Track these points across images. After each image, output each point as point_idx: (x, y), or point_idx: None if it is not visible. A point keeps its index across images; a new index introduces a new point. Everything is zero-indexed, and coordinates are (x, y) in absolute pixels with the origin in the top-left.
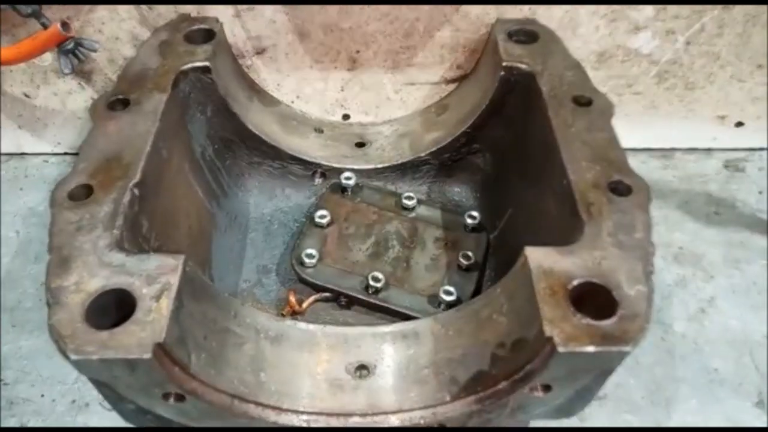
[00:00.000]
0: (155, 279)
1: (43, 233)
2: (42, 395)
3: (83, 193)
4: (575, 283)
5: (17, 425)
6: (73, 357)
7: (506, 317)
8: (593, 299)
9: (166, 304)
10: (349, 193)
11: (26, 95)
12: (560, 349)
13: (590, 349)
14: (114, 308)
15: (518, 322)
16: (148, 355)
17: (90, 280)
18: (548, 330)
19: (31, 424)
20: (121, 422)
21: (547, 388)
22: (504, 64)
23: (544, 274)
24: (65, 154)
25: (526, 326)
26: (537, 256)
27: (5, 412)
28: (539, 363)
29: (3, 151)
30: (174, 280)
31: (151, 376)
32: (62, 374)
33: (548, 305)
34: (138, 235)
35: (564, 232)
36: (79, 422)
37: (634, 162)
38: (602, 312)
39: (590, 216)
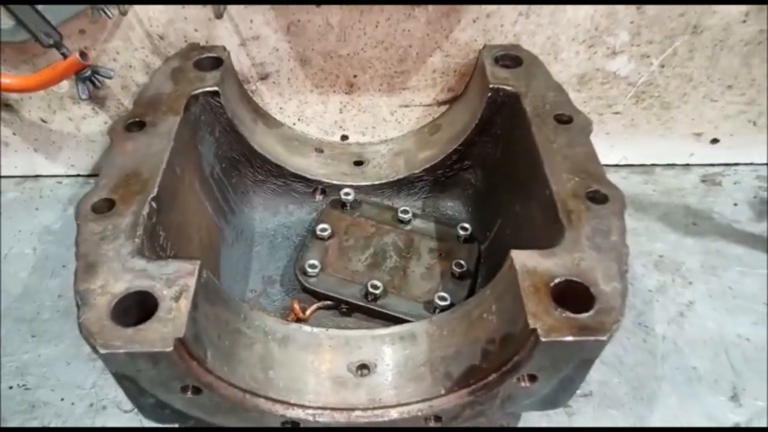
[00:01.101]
0: (174, 282)
1: (59, 250)
2: (62, 399)
3: (105, 207)
4: (557, 281)
5: (39, 426)
6: (102, 351)
7: (495, 316)
8: (573, 297)
9: (185, 304)
10: (349, 208)
11: (43, 120)
12: (543, 339)
13: (569, 338)
14: (136, 309)
15: (506, 319)
16: (169, 349)
17: (115, 283)
18: (532, 322)
19: (52, 426)
20: (130, 424)
21: (533, 378)
22: (491, 86)
23: (528, 273)
24: (78, 176)
25: (513, 322)
26: (522, 258)
27: (28, 415)
28: (525, 354)
29: (18, 173)
30: (191, 282)
31: (171, 369)
32: (80, 380)
33: (532, 301)
34: (156, 245)
35: (547, 238)
36: (98, 424)
37: (616, 177)
38: (581, 307)
39: (570, 222)
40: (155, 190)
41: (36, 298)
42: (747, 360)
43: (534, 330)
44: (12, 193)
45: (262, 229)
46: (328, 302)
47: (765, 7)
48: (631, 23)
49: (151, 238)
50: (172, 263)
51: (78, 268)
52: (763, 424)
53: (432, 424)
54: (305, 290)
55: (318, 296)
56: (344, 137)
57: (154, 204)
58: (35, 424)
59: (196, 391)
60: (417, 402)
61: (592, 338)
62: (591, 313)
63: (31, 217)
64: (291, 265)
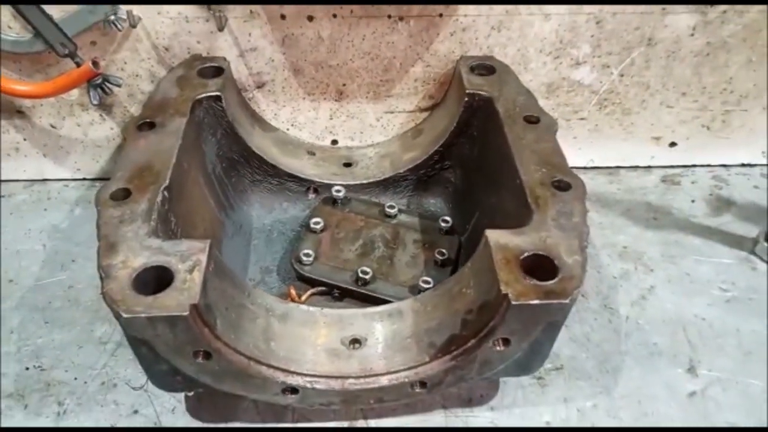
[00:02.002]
0: (188, 257)
1: (68, 246)
2: (75, 378)
3: (122, 195)
4: (525, 254)
5: (55, 403)
6: (125, 316)
7: (473, 289)
8: (540, 268)
9: (198, 276)
10: (339, 204)
11: (53, 126)
12: (513, 302)
13: (536, 301)
14: (153, 283)
15: (482, 290)
16: (186, 313)
17: (134, 259)
18: (504, 289)
19: (67, 402)
20: (139, 400)
21: (506, 342)
22: (468, 91)
23: (500, 248)
24: (84, 179)
25: (488, 291)
26: (495, 236)
27: (44, 393)
28: (499, 319)
29: (27, 177)
30: (203, 258)
31: (186, 333)
32: (91, 361)
33: (504, 271)
34: (168, 229)
35: (518, 222)
36: (109, 400)
37: (584, 178)
38: (547, 277)
39: (538, 206)
40: (167, 181)
41: (48, 288)
42: (702, 337)
43: (506, 295)
44: (21, 196)
45: (259, 224)
46: (322, 288)
47: (709, 21)
48: (592, 36)
49: (164, 223)
50: (185, 242)
51: (100, 246)
52: (716, 392)
53: (418, 389)
54: (300, 278)
55: (312, 283)
56: (334, 141)
57: (166, 193)
58: (51, 400)
59: (207, 356)
60: (404, 369)
61: (555, 301)
62: (555, 280)
63: (40, 217)
64: (286, 256)
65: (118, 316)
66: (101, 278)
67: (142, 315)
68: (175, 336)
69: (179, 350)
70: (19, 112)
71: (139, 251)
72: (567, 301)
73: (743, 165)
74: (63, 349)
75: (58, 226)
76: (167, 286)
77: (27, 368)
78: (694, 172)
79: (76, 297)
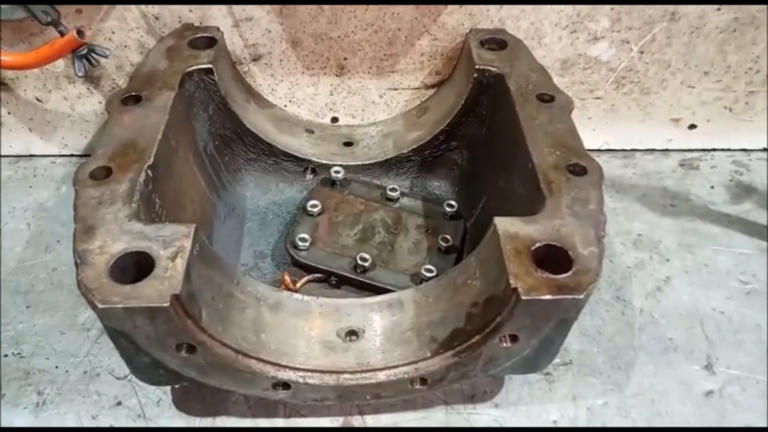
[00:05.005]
0: (171, 243)
1: (53, 226)
2: (56, 367)
3: (103, 174)
4: (537, 245)
5: (34, 393)
6: (101, 306)
7: (479, 280)
8: (553, 260)
9: (181, 264)
10: (338, 186)
11: (38, 99)
12: (523, 297)
13: (548, 297)
14: (133, 270)
15: (489, 282)
16: (166, 304)
17: (113, 244)
18: (513, 282)
19: (47, 392)
20: (123, 391)
21: (514, 338)
22: (477, 66)
23: (510, 238)
24: (71, 155)
25: (496, 284)
26: (504, 224)
27: (23, 381)
28: (507, 314)
29: (13, 153)
30: (187, 244)
31: (167, 325)
32: (74, 348)
33: (514, 263)
34: (152, 211)
35: (529, 208)
36: (91, 390)
37: (597, 161)
38: (560, 269)
39: (551, 192)
40: (151, 159)
41: (31, 271)
42: (720, 331)
43: (515, 289)
44: (6, 172)
45: (253, 206)
46: (318, 275)
47: None
48: (612, 9)
49: (148, 205)
50: (169, 226)
51: (77, 230)
52: (735, 391)
53: (418, 386)
54: (295, 263)
55: (308, 269)
56: (334, 119)
57: (150, 172)
58: (30, 389)
59: (191, 349)
60: (404, 365)
61: (569, 296)
62: (569, 274)
63: (26, 195)
64: (281, 240)
65: (93, 306)
66: (76, 264)
67: (119, 305)
68: (156, 328)
69: (161, 343)
70: (3, 84)
71: (119, 235)
72: (581, 296)
73: (765, 150)
74: (44, 336)
75: (44, 204)
76: (148, 274)
77: (6, 355)
78: (714, 157)
79: (60, 280)
